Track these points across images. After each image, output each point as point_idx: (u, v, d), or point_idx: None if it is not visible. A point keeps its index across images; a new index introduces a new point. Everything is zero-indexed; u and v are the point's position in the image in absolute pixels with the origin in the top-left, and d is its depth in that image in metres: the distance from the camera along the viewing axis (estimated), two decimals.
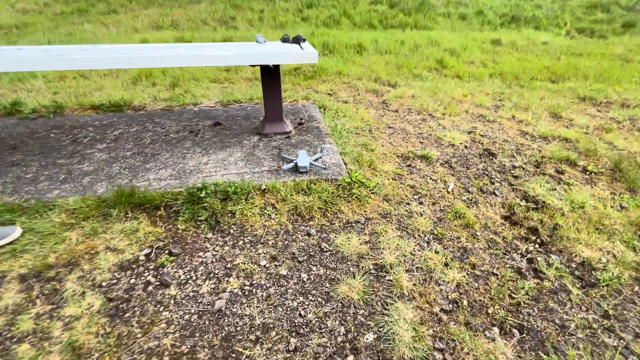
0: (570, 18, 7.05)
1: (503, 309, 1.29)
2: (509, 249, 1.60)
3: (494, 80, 4.23)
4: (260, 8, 6.70)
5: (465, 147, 2.56)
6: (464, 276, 1.43)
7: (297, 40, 2.47)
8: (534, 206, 1.86)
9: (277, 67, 2.28)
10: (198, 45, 2.56)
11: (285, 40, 2.51)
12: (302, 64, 4.34)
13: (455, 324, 1.22)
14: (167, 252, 1.53)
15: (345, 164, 2.18)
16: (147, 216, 1.70)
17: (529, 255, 1.55)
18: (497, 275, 1.45)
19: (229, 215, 1.73)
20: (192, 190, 1.80)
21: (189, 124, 2.77)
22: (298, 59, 2.15)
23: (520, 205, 1.86)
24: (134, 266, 1.45)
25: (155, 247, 1.54)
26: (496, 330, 1.21)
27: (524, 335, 1.20)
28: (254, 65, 2.21)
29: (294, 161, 2.04)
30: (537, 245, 1.62)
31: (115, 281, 1.38)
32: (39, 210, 1.67)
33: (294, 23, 6.07)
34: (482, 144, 2.60)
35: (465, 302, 1.31)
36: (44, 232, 1.55)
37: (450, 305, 1.30)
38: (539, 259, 1.53)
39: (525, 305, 1.31)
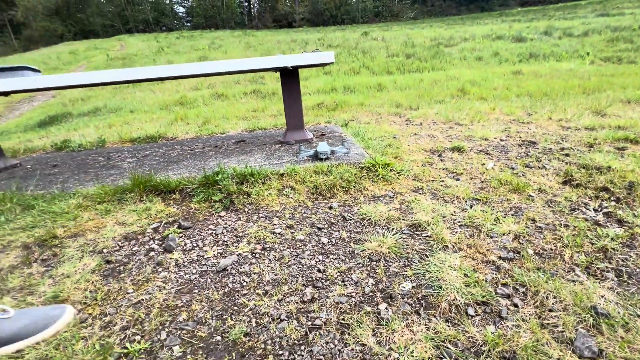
0: (592, 50, 7.04)
1: (585, 255, 0.98)
2: (577, 207, 1.29)
3: (522, 98, 4.10)
4: None
5: (501, 140, 2.35)
6: (522, 228, 1.14)
7: (317, 52, 2.61)
8: (597, 171, 1.57)
9: (295, 70, 2.37)
10: (226, 61, 2.78)
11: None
12: (323, 101, 4.55)
13: (520, 269, 0.93)
14: (176, 225, 1.41)
15: (369, 155, 2.05)
16: (161, 200, 1.63)
17: (605, 210, 1.24)
18: (567, 226, 1.14)
19: (245, 195, 1.61)
20: (208, 174, 1.73)
21: (215, 143, 2.86)
22: (315, 59, 2.23)
23: (580, 172, 1.57)
24: (139, 237, 1.33)
25: (164, 222, 1.43)
26: (581, 274, 0.90)
27: (624, 278, 0.87)
28: (275, 70, 2.32)
29: (315, 149, 1.96)
30: (613, 202, 1.30)
31: (117, 248, 1.25)
32: (59, 197, 1.67)
33: (316, 76, 6.59)
34: (520, 137, 2.38)
35: (530, 251, 1.02)
36: (58, 212, 1.51)
37: (511, 254, 1.01)
38: (619, 212, 1.21)
39: (616, 251, 0.99)
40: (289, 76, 2.38)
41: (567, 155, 1.89)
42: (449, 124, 3.04)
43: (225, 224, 1.41)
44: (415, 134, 2.77)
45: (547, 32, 9.25)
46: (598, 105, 3.11)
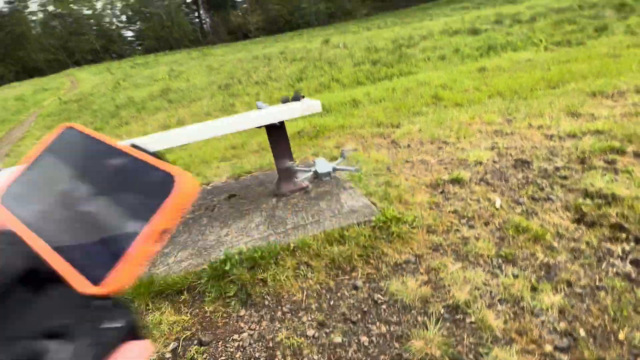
0: (543, 36, 7.43)
1: (637, 330, 0.97)
2: (602, 255, 1.30)
3: (494, 99, 4.22)
4: (256, 91, 7.28)
5: (494, 162, 2.38)
6: (563, 298, 1.12)
7: (296, 98, 2.53)
8: (604, 201, 1.60)
9: (282, 124, 2.28)
10: (207, 123, 2.64)
11: (284, 100, 2.57)
12: (303, 128, 4.47)
13: None
14: (196, 342, 1.28)
15: (374, 204, 2.00)
16: (169, 304, 1.49)
17: (630, 256, 1.25)
18: (604, 288, 1.14)
19: (260, 284, 1.51)
20: (216, 264, 1.61)
21: (203, 201, 2.70)
22: (302, 111, 2.16)
23: (588, 204, 1.60)
24: None
25: (182, 338, 1.30)
26: None
27: None
28: (260, 127, 2.22)
29: (312, 169, 1.85)
30: (632, 243, 1.32)
31: None
32: None
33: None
34: (511, 155, 2.43)
35: (582, 332, 1.00)
36: None
37: (565, 340, 0.98)
38: None
39: None
40: (276, 129, 2.28)
41: (565, 178, 1.93)
42: (436, 142, 3.06)
43: (250, 328, 1.31)
44: (407, 161, 2.76)
45: (497, 21, 9.68)
46: (570, 104, 3.25)
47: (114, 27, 37.02)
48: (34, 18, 34.27)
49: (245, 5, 40.19)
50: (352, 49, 9.56)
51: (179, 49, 31.58)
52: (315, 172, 1.79)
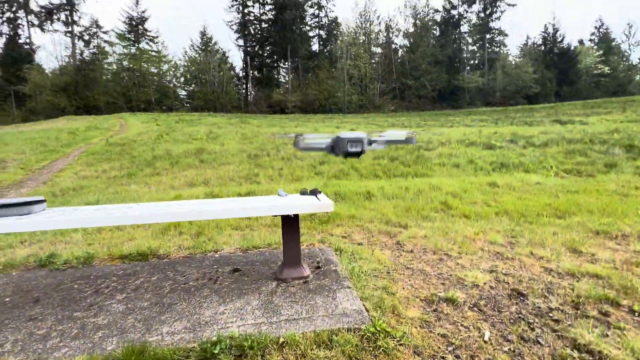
0: (554, 162, 7.91)
1: None
2: None
3: (501, 218, 4.40)
4: (280, 166, 7.87)
5: (491, 287, 2.45)
6: None
7: (314, 192, 2.83)
8: (590, 358, 1.62)
9: (296, 216, 2.53)
10: (227, 200, 2.93)
11: (303, 193, 2.87)
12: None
13: None
14: None
15: (367, 310, 2.07)
16: None
17: None
18: None
19: None
20: (205, 345, 1.68)
21: (208, 271, 2.83)
22: (315, 208, 2.41)
23: (575, 358, 1.62)
24: None
25: None
26: None
27: None
28: (276, 215, 2.46)
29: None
30: None
31: None
32: None
33: (309, 177, 6.98)
34: (508, 283, 2.50)
35: None
36: None
37: None
38: None
39: None
40: (291, 219, 2.52)
41: (557, 322, 1.96)
42: (438, 253, 3.18)
43: None
44: (408, 267, 2.85)
45: (512, 140, 10.45)
46: (573, 240, 3.37)
47: (171, 85, 42.26)
48: (108, 67, 39.83)
49: (287, 86, 45.54)
50: None
51: (221, 111, 35.14)
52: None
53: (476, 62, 52.79)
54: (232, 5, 47.22)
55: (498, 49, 52.32)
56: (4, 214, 2.26)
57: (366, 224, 4.20)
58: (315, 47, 50.14)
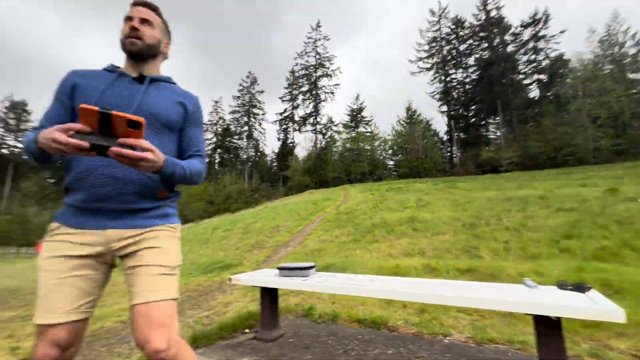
0: None
1: None
2: None
3: None
4: (505, 239, 6.77)
5: None
6: None
7: (580, 288, 2.21)
8: None
9: (559, 319, 2.02)
10: (461, 284, 2.80)
11: (562, 286, 2.31)
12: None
13: None
14: None
15: None
16: None
17: None
18: None
19: None
20: None
21: (441, 357, 2.68)
22: (591, 315, 1.84)
23: None
24: None
25: None
26: None
27: None
28: (527, 314, 2.08)
29: None
30: None
31: None
32: None
33: (549, 255, 5.55)
34: None
35: None
36: None
37: None
38: None
39: None
40: (549, 322, 2.05)
41: None
42: None
43: None
44: None
45: None
46: None
47: (381, 157, 48.20)
48: (335, 150, 51.02)
49: (499, 142, 40.78)
50: None
51: (426, 177, 35.77)
52: None
53: None
54: (435, 78, 50.20)
55: None
56: (294, 274, 3.19)
57: None
58: (532, 93, 43.42)
